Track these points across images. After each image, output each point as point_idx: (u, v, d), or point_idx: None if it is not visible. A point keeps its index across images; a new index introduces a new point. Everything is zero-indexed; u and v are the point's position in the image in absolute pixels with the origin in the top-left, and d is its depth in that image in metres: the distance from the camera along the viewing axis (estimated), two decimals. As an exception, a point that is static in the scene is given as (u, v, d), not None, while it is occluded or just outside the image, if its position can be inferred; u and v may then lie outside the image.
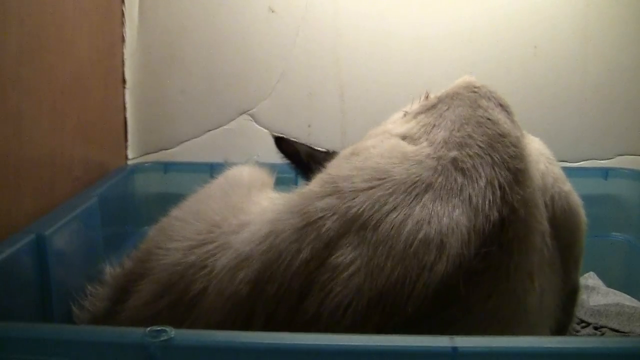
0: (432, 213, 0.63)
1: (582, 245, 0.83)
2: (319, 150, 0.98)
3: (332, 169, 0.73)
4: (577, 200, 0.83)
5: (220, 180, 0.89)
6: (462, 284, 0.61)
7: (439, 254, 0.61)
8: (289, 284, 0.62)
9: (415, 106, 0.87)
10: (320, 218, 0.64)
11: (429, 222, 0.62)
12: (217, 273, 0.67)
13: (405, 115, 0.86)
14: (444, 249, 0.61)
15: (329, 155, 0.95)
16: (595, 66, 1.36)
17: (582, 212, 0.84)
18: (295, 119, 1.36)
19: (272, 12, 1.34)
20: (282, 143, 0.97)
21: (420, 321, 0.60)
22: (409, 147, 0.72)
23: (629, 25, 1.34)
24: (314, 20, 1.34)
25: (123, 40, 1.33)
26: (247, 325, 0.64)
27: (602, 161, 1.38)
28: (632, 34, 1.34)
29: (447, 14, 1.34)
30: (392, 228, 0.62)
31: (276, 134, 1.00)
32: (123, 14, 1.32)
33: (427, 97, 0.87)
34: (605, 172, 1.30)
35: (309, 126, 1.36)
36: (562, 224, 0.78)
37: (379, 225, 0.63)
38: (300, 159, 0.95)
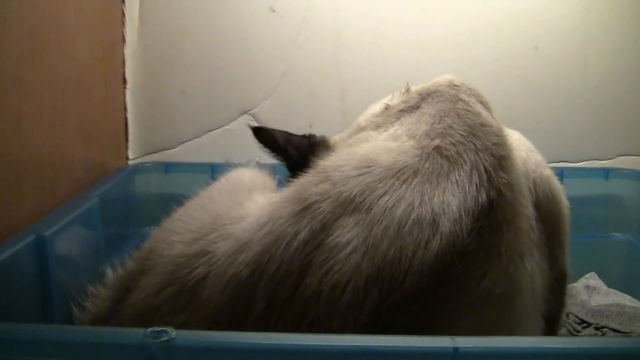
0: (423, 195, 0.66)
1: (567, 229, 0.85)
2: (295, 135, 1.00)
3: (323, 161, 0.74)
4: (558, 184, 0.85)
5: (222, 182, 0.90)
6: (455, 262, 0.63)
7: (432, 232, 0.63)
8: (288, 264, 0.65)
9: (396, 100, 0.88)
10: (315, 202, 0.67)
11: (420, 204, 0.65)
12: (218, 259, 0.69)
13: (386, 108, 0.87)
14: (437, 227, 0.64)
15: (305, 138, 0.98)
16: (596, 67, 1.35)
17: (563, 197, 0.86)
18: (296, 119, 1.36)
19: (273, 12, 1.34)
20: (260, 133, 0.99)
21: (419, 298, 0.62)
22: (392, 144, 0.74)
23: (629, 26, 1.34)
24: (314, 21, 1.34)
25: (123, 40, 1.33)
26: (248, 307, 0.65)
27: (603, 161, 1.38)
28: (633, 35, 1.34)
29: (447, 15, 1.34)
30: (384, 210, 0.65)
31: (255, 125, 1.00)
32: (123, 14, 1.32)
33: (407, 90, 0.89)
34: (606, 173, 1.30)
35: (310, 126, 1.36)
36: (546, 208, 0.80)
37: (372, 209, 0.65)
38: (278, 145, 0.97)
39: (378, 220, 0.64)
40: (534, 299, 0.72)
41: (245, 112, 1.37)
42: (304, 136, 0.99)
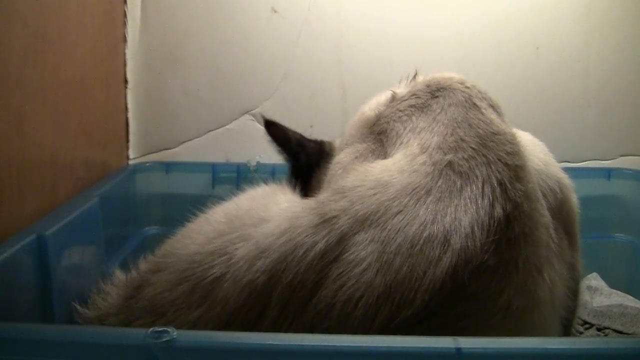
0: (436, 213, 0.66)
1: (578, 231, 0.85)
2: (308, 140, 1.00)
3: (341, 181, 0.76)
4: (571, 188, 0.85)
5: (240, 198, 0.88)
6: (467, 278, 0.63)
7: (443, 251, 0.64)
8: (303, 275, 0.66)
9: (403, 89, 0.89)
10: (334, 217, 0.68)
11: (433, 222, 0.65)
12: (236, 262, 0.70)
13: (393, 97, 0.88)
14: (448, 245, 0.64)
15: (318, 144, 0.99)
16: (597, 67, 1.35)
17: (576, 200, 0.85)
18: (297, 119, 1.35)
19: (275, 12, 1.34)
20: (272, 128, 1.00)
21: (433, 315, 0.62)
22: (402, 162, 0.74)
23: (630, 26, 1.34)
24: (316, 21, 1.34)
25: (125, 40, 1.32)
26: (262, 313, 0.66)
27: (604, 162, 1.37)
28: (634, 35, 1.34)
29: (449, 15, 1.34)
30: (398, 229, 0.65)
31: (268, 118, 1.00)
32: (125, 15, 1.32)
33: (414, 78, 0.90)
34: (608, 173, 1.30)
35: (311, 126, 1.36)
36: (566, 212, 0.80)
37: (387, 227, 0.66)
38: (290, 147, 0.99)
39: (392, 238, 0.65)
40: (554, 309, 0.71)
41: (246, 112, 1.37)
42: (315, 142, 1.00)
